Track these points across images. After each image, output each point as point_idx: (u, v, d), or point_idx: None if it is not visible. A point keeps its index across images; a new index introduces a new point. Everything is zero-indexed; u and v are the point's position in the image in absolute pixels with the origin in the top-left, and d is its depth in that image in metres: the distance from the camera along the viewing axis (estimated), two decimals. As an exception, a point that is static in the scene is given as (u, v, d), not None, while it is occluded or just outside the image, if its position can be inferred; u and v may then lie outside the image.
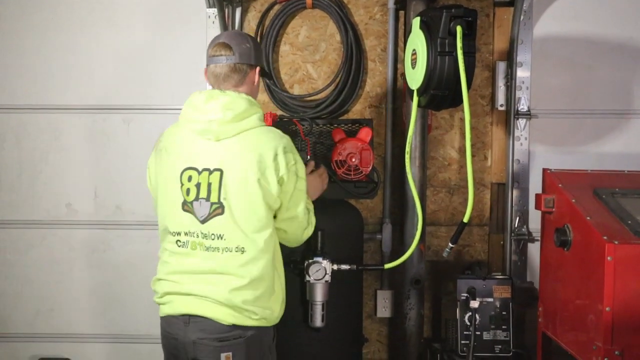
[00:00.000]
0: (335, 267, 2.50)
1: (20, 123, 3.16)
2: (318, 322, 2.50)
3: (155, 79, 3.12)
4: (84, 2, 3.12)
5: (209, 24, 3.04)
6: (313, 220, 2.23)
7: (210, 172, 2.01)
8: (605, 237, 2.03)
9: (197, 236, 2.02)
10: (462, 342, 2.63)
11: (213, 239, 2.01)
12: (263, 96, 3.10)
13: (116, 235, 3.16)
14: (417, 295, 2.89)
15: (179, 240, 2.06)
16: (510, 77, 3.01)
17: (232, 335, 2.00)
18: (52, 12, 3.12)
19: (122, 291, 3.16)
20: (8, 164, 3.17)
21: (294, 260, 2.52)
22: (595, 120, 3.07)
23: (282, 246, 2.33)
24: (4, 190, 3.17)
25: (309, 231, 2.23)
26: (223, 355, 1.98)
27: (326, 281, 2.48)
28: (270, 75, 2.89)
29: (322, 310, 2.50)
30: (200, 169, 2.02)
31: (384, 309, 3.08)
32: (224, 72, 2.10)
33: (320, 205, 2.47)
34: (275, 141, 2.04)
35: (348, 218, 2.72)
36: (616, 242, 2.01)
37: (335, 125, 2.76)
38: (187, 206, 2.04)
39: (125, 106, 3.14)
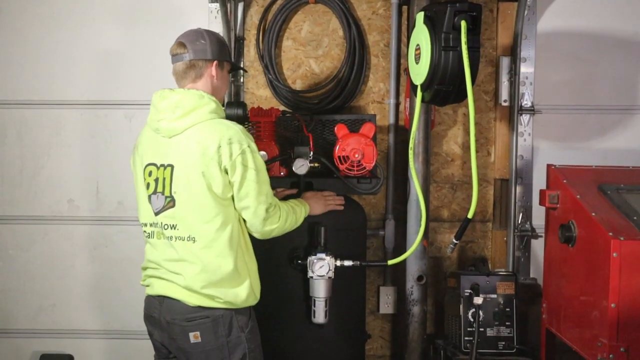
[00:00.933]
0: (338, 263, 2.49)
1: (22, 118, 3.15)
2: (321, 318, 2.49)
3: (157, 74, 3.09)
4: (85, -2, 3.11)
5: (212, 19, 3.03)
6: (278, 214, 2.19)
7: (165, 167, 2.12)
8: (610, 234, 2.02)
9: (157, 226, 2.15)
10: (466, 338, 2.61)
11: (167, 229, 2.12)
12: (266, 91, 3.09)
13: (118, 230, 3.16)
14: (420, 292, 2.88)
15: (145, 231, 2.20)
16: (514, 72, 2.99)
17: (199, 315, 2.10)
18: (54, 7, 3.11)
19: (124, 287, 3.15)
20: (10, 159, 3.16)
21: (297, 256, 2.51)
22: (600, 115, 3.06)
23: (284, 241, 2.33)
24: (6, 186, 3.17)
25: (272, 225, 2.18)
26: (191, 335, 2.09)
27: (329, 277, 2.46)
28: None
29: (325, 306, 2.49)
30: (158, 165, 2.14)
31: (386, 305, 3.07)
32: (181, 70, 2.17)
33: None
34: (219, 133, 2.07)
35: (351, 214, 2.71)
36: (622, 239, 1.99)
37: (339, 121, 2.75)
38: (148, 199, 2.17)
39: (127, 101, 3.13)
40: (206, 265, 2.08)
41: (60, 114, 3.14)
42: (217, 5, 2.98)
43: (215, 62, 2.18)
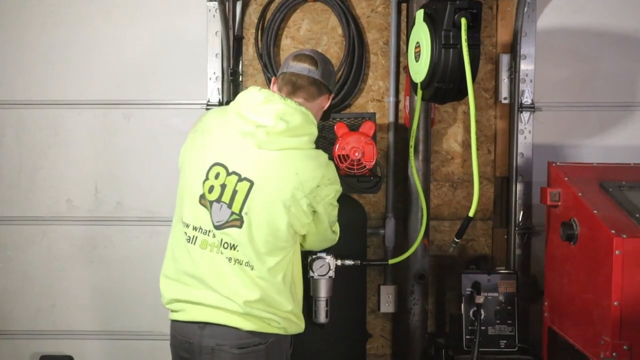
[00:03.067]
0: (339, 262, 2.48)
1: (20, 118, 3.13)
2: (322, 317, 2.48)
3: (156, 74, 3.10)
4: (84, -4, 3.10)
5: (210, 18, 3.01)
6: (337, 229, 2.24)
7: (240, 179, 1.91)
8: (613, 231, 2.01)
9: (208, 235, 1.95)
10: (467, 337, 2.61)
11: (226, 248, 1.93)
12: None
13: (117, 231, 3.14)
14: (421, 290, 2.87)
15: (187, 233, 1.98)
16: (513, 69, 2.98)
17: (252, 342, 1.95)
18: (52, 6, 3.09)
19: (123, 287, 3.14)
20: (8, 159, 3.14)
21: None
22: (600, 112, 3.05)
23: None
24: (4, 187, 3.15)
25: (331, 242, 2.26)
26: None
27: (330, 277, 2.46)
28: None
29: (326, 306, 2.48)
30: (230, 170, 1.93)
31: (387, 304, 3.06)
32: (302, 82, 2.02)
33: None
34: (320, 170, 1.96)
35: (351, 213, 2.70)
36: (624, 236, 1.98)
37: (338, 119, 2.73)
38: (204, 201, 1.96)
39: (126, 101, 3.11)
40: (263, 294, 1.94)
41: (59, 113, 3.12)
42: (215, 4, 2.96)
43: (332, 95, 2.13)
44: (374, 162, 2.59)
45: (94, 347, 3.19)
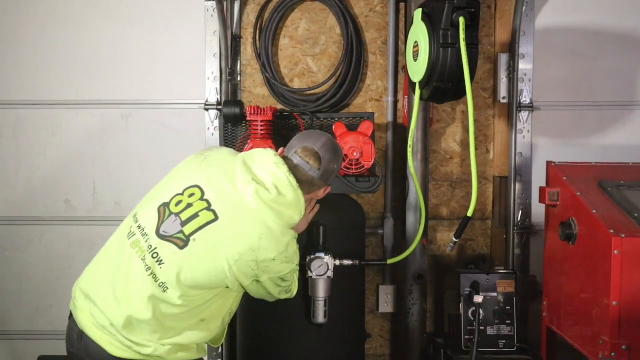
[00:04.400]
0: (337, 262, 2.48)
1: (18, 119, 3.13)
2: (320, 318, 2.47)
3: (154, 74, 3.09)
4: (81, -4, 3.09)
5: (208, 18, 3.01)
6: (292, 289, 2.17)
7: (209, 209, 1.90)
8: (612, 231, 2.00)
9: (144, 238, 1.92)
10: (466, 337, 2.60)
11: (153, 257, 1.89)
12: (263, 90, 3.07)
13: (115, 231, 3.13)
14: (419, 290, 2.87)
15: (131, 227, 1.96)
16: (512, 69, 2.98)
17: None
18: (50, 6, 3.09)
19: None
20: (6, 160, 3.14)
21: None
22: (599, 112, 3.05)
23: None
24: (2, 187, 3.15)
25: (278, 298, 2.16)
26: None
27: (328, 277, 2.45)
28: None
29: (325, 306, 2.47)
30: (204, 197, 1.92)
31: (386, 304, 3.06)
32: (300, 177, 1.99)
33: (322, 201, 2.44)
34: (283, 246, 1.93)
35: (350, 213, 2.70)
36: (623, 236, 1.98)
37: (337, 119, 2.73)
38: (163, 209, 1.94)
39: (124, 101, 3.11)
40: (160, 316, 1.89)
41: (56, 114, 3.12)
42: (213, 4, 2.95)
43: (329, 188, 2.11)
44: (372, 162, 2.59)
45: (92, 348, 3.18)
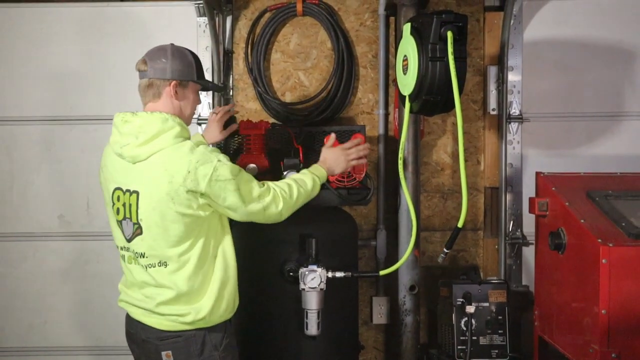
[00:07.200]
0: (330, 274, 2.48)
1: (11, 135, 3.14)
2: (314, 330, 2.48)
3: (147, 89, 3.10)
4: (75, 13, 3.11)
5: (200, 33, 3.04)
6: (273, 196, 2.15)
7: (131, 193, 2.08)
8: (599, 240, 2.02)
9: (128, 250, 2.14)
10: (459, 347, 2.62)
11: (137, 257, 2.11)
12: (255, 104, 3.10)
13: (109, 246, 3.05)
14: (412, 301, 2.88)
15: (120, 253, 2.20)
16: (501, 81, 3.02)
17: (170, 335, 2.11)
18: (42, 23, 3.10)
19: (115, 303, 3.08)
20: (-1, 176, 3.15)
21: (289, 269, 2.50)
22: (587, 122, 3.08)
23: (273, 254, 2.33)
24: (-5, 203, 3.15)
25: (276, 209, 2.16)
26: (163, 354, 2.11)
27: (321, 289, 2.45)
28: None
29: (318, 318, 2.47)
30: (124, 190, 2.10)
31: (380, 316, 3.07)
32: (141, 87, 2.17)
33: (314, 213, 2.47)
34: (187, 157, 2.02)
35: (342, 225, 2.71)
36: (611, 245, 2.00)
37: (328, 132, 2.75)
38: (117, 223, 2.15)
39: (117, 116, 3.12)
40: (180, 288, 2.08)
41: (50, 129, 3.13)
42: (205, 19, 2.98)
43: (174, 82, 2.14)
44: (363, 175, 2.60)
45: (87, 363, 3.18)
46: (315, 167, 2.37)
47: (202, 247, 2.10)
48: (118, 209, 2.12)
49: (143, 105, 2.18)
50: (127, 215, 2.10)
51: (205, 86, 2.30)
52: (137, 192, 2.06)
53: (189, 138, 2.13)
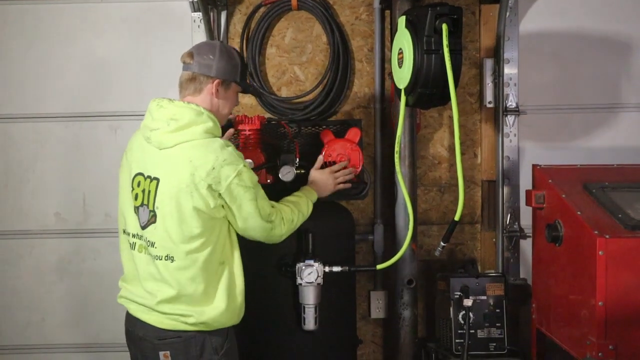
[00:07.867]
0: (327, 269, 2.48)
1: (6, 132, 3.13)
2: (311, 325, 2.48)
3: (142, 85, 3.10)
4: (69, 10, 3.10)
5: (194, 28, 3.02)
6: (280, 217, 2.20)
7: (152, 179, 2.07)
8: (596, 232, 2.02)
9: (140, 238, 2.11)
10: (457, 340, 2.61)
11: (149, 246, 2.09)
12: (251, 99, 3.09)
13: (106, 243, 3.13)
14: (410, 295, 2.88)
15: (129, 241, 2.16)
16: (497, 74, 3.00)
17: (169, 335, 2.09)
18: (37, 21, 3.10)
19: (112, 299, 3.07)
20: (-6, 174, 3.14)
21: (285, 263, 2.50)
22: (584, 115, 3.08)
23: (270, 249, 2.31)
24: (-9, 201, 3.15)
25: (280, 231, 2.21)
26: (161, 354, 2.09)
27: (318, 284, 2.46)
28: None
29: (315, 313, 2.48)
30: (145, 175, 2.10)
31: (377, 310, 3.07)
32: (183, 80, 2.16)
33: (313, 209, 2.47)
34: (214, 154, 2.03)
35: (339, 219, 2.71)
36: (607, 237, 2.00)
37: (324, 127, 2.75)
38: (134, 208, 2.13)
39: (112, 113, 3.12)
40: (182, 286, 2.06)
41: (45, 127, 3.12)
42: (199, 15, 2.97)
43: (217, 81, 2.14)
44: (360, 169, 2.60)
45: (85, 360, 3.18)
46: (308, 191, 2.39)
47: (210, 253, 2.07)
48: (137, 195, 2.11)
49: (180, 98, 2.16)
50: (145, 202, 2.08)
51: (246, 89, 2.29)
52: (157, 179, 2.05)
53: (219, 136, 2.12)
